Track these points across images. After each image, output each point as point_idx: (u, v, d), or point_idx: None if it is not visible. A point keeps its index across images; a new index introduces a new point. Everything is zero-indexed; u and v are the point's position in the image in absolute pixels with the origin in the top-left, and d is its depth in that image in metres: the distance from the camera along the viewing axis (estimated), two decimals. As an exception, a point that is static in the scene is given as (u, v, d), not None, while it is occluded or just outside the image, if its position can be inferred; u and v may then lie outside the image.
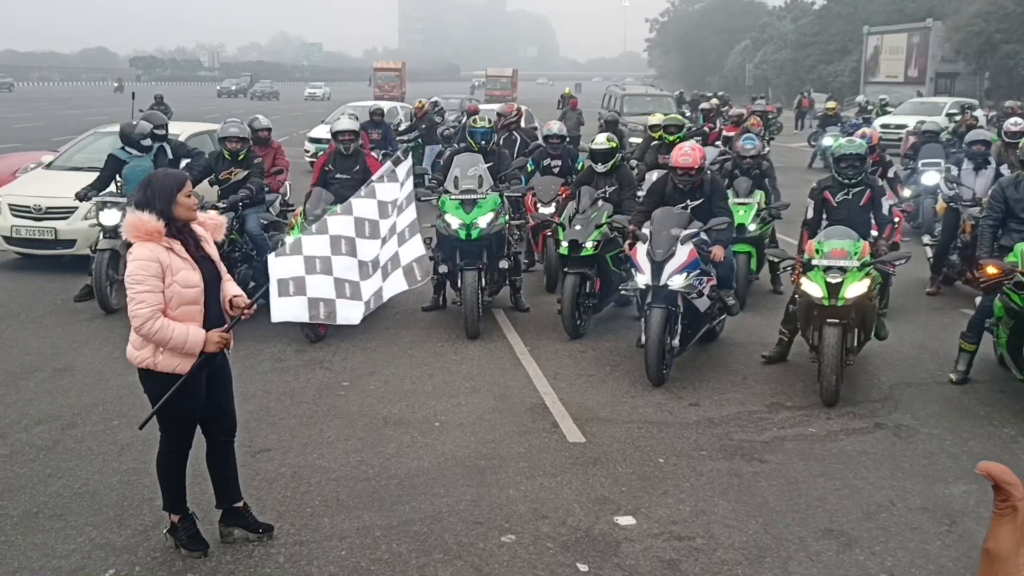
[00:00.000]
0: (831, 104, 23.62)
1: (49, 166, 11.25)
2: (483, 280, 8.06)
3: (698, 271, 6.84)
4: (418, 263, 4.47)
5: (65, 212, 9.83)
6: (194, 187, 4.13)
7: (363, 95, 44.52)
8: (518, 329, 8.18)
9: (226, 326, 4.10)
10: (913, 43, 47.57)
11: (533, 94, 40.91)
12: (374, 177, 4.86)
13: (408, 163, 5.05)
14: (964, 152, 9.93)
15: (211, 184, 8.98)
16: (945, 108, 27.13)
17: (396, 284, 4.42)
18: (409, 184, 4.86)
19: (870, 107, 29.31)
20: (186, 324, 3.92)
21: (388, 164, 4.86)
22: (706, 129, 14.91)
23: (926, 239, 10.37)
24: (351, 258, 4.27)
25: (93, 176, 9.32)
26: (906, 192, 10.89)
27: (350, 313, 4.27)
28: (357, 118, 9.93)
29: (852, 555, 4.41)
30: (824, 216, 7.28)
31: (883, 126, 25.58)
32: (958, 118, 19.42)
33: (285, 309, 4.14)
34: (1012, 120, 11.02)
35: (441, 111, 15.75)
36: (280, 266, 4.14)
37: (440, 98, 20.45)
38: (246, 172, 8.41)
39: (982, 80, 44.01)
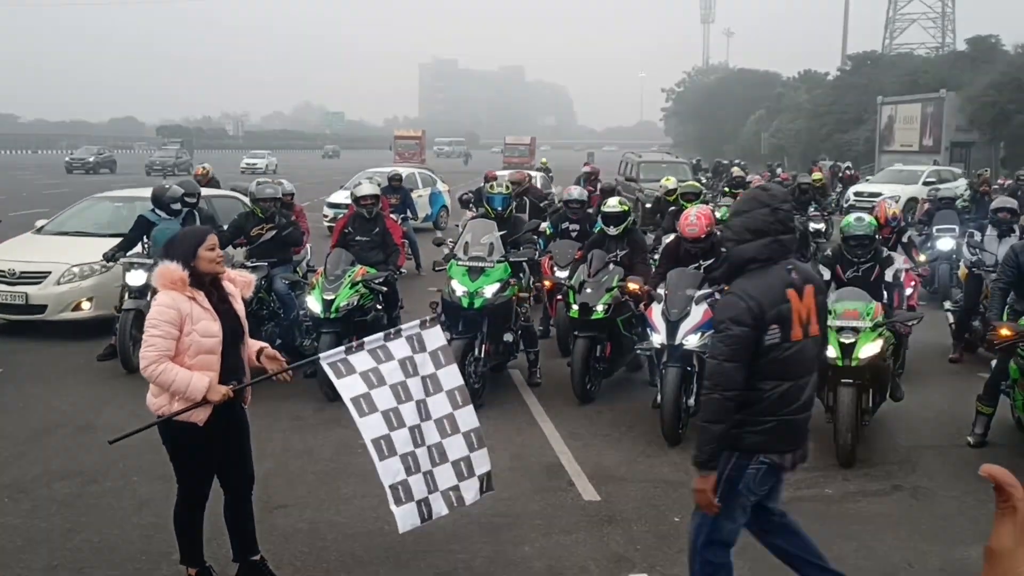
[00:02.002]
0: (817, 176, 19.46)
1: (39, 231, 11.30)
2: (479, 350, 7.76)
3: (713, 330, 6.88)
4: (488, 477, 4.46)
5: (38, 277, 9.85)
6: (223, 247, 4.30)
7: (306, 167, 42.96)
8: (534, 389, 8.23)
9: (236, 385, 4.20)
10: (927, 113, 48.00)
11: (554, 160, 41.72)
12: (404, 333, 4.33)
13: (438, 334, 4.42)
14: (989, 219, 9.86)
15: (234, 247, 9.21)
16: (922, 177, 27.04)
17: (472, 492, 4.42)
18: (453, 371, 4.40)
19: (839, 172, 29.96)
20: (192, 372, 4.04)
21: (415, 326, 4.35)
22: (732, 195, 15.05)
23: (948, 305, 10.10)
24: (423, 447, 4.29)
25: (80, 241, 9.52)
26: (921, 257, 10.92)
27: (439, 507, 4.33)
28: (379, 183, 10.16)
29: (870, 615, 4.37)
30: (834, 288, 7.34)
31: (856, 194, 25.42)
32: (932, 187, 19.35)
33: (407, 519, 4.21)
34: None
35: (216, 182, 14.59)
36: (387, 471, 4.18)
37: (377, 172, 19.12)
38: (275, 229, 8.72)
39: (997, 149, 44.21)
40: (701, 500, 3.69)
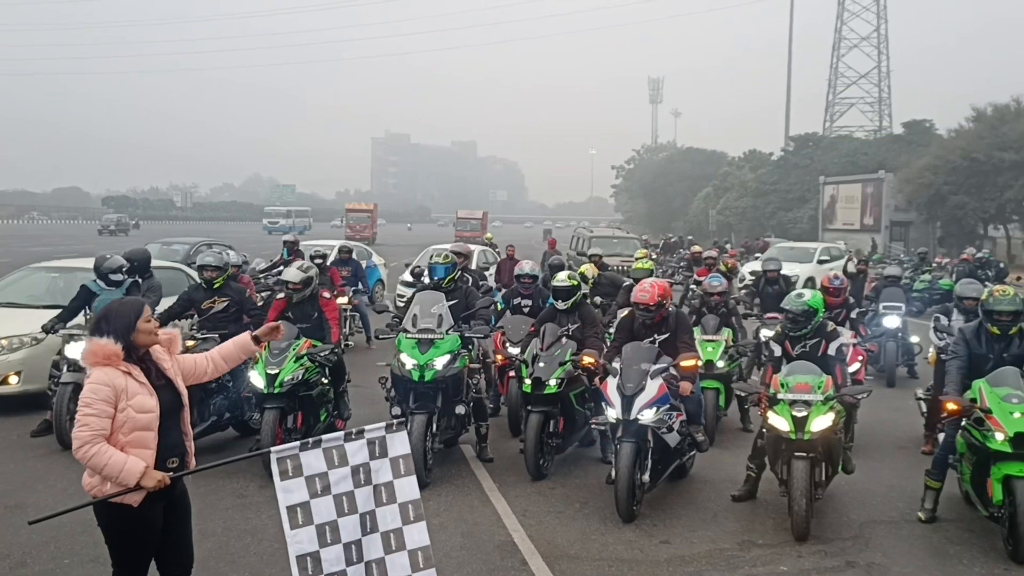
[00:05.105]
0: (697, 248, 19.80)
1: None
2: (434, 425, 7.60)
3: (668, 406, 6.88)
4: None
5: None
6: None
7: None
8: (486, 466, 8.08)
9: (175, 473, 4.03)
10: (867, 193, 49.63)
11: (514, 237, 40.85)
12: (367, 435, 4.13)
13: (403, 440, 4.24)
14: (955, 305, 9.40)
15: (184, 319, 9.00)
16: (816, 255, 27.67)
17: None
18: (411, 484, 4.20)
19: (728, 245, 30.65)
20: (127, 456, 3.84)
21: (380, 428, 4.19)
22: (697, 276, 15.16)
23: (919, 393, 9.28)
24: (358, 564, 4.00)
25: (11, 313, 9.26)
26: (869, 333, 11.10)
27: None
28: (309, 268, 8.83)
29: None
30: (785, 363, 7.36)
31: (752, 272, 25.53)
32: (880, 264, 19.64)
33: None
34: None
35: None
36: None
37: (164, 243, 18.71)
38: (226, 301, 8.57)
39: (934, 229, 45.73)
40: None
